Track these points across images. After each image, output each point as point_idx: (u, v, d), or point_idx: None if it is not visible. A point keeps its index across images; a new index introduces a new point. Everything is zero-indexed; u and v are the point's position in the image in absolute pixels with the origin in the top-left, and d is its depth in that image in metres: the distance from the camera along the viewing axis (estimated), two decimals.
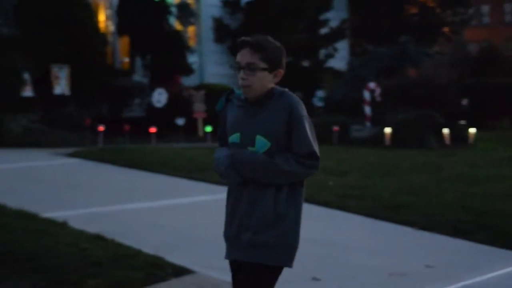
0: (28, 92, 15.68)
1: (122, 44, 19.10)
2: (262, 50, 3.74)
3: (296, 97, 3.76)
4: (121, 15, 18.27)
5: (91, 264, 5.81)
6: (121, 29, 18.53)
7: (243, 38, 3.81)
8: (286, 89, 3.81)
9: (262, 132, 3.73)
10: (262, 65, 3.73)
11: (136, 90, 18.27)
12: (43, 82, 15.85)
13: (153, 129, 16.04)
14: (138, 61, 18.74)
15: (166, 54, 18.15)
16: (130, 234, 6.96)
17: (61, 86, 16.33)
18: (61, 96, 16.11)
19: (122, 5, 18.12)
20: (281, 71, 3.79)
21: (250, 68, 3.73)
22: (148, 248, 6.38)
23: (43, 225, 7.10)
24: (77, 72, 16.32)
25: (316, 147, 3.73)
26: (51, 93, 16.09)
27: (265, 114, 3.74)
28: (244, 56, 3.75)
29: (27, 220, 7.32)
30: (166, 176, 10.83)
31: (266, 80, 3.74)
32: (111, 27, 18.59)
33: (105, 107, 17.43)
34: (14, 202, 7.92)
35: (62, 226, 7.08)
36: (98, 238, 6.62)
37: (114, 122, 16.80)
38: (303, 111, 3.75)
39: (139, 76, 18.73)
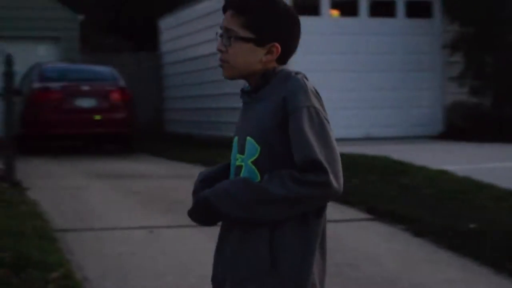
0: None
1: None
2: (246, 13, 2.58)
3: (302, 82, 2.53)
4: None
5: None
6: None
7: None
8: (300, 73, 2.59)
9: (251, 132, 2.57)
10: (244, 33, 2.57)
11: None
12: None
13: None
14: None
15: None
16: None
17: None
18: None
19: None
20: (278, 46, 2.58)
21: (228, 35, 2.60)
22: None
23: None
24: None
25: (322, 154, 2.43)
26: None
27: (258, 106, 2.59)
28: (224, 20, 2.63)
29: None
30: None
31: (252, 57, 2.58)
32: None
33: None
34: None
35: None
36: None
37: None
38: (306, 100, 2.50)
39: None
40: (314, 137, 2.45)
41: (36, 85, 15.21)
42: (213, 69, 16.78)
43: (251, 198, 2.45)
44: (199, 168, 11.95)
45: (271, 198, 2.42)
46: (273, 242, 2.49)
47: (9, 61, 9.86)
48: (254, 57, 2.58)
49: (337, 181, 2.44)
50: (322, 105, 2.54)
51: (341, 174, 2.47)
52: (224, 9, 2.63)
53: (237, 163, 2.59)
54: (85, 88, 15.15)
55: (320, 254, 2.55)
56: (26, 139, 14.92)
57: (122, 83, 15.65)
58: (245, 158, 2.56)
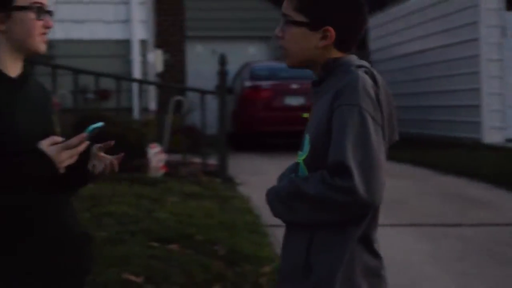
0: None
1: None
2: None
3: (356, 78, 2.34)
4: None
5: None
6: None
7: None
8: (363, 66, 2.41)
9: (309, 129, 2.45)
10: (297, 17, 2.43)
11: None
12: None
13: None
14: None
15: None
16: None
17: None
18: None
19: None
20: (331, 30, 2.40)
21: (284, 20, 2.48)
22: None
23: None
24: None
25: (354, 158, 2.25)
26: None
27: (319, 102, 2.44)
28: (283, 5, 2.51)
29: None
30: None
31: (307, 42, 2.44)
32: None
33: None
34: None
35: None
36: None
37: None
38: (352, 98, 2.30)
39: None
40: (350, 138, 2.27)
41: (247, 83, 15.63)
42: (428, 66, 16.54)
43: (288, 192, 2.37)
44: (414, 169, 11.82)
45: (303, 196, 2.32)
46: (310, 247, 2.39)
47: (222, 61, 10.19)
48: (309, 42, 2.43)
49: (367, 190, 2.25)
50: (374, 105, 2.34)
51: (376, 183, 2.28)
52: None
53: (297, 159, 2.51)
54: (294, 86, 15.38)
55: (374, 262, 2.43)
56: (237, 136, 15.37)
57: None
58: (301, 156, 2.46)
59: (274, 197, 2.43)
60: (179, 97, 10.80)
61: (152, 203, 7.54)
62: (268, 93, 15.20)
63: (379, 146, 2.32)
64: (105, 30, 11.24)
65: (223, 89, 10.26)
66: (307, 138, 2.43)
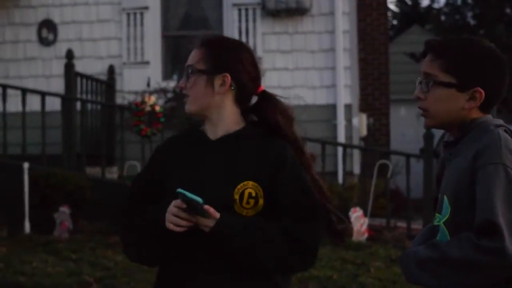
0: None
1: None
2: (447, 55, 2.38)
3: (498, 137, 2.29)
4: None
5: None
6: None
7: (427, 39, 2.48)
8: (502, 125, 2.36)
9: (447, 190, 2.36)
10: (444, 77, 2.37)
11: None
12: None
13: None
14: None
15: None
16: None
17: None
18: None
19: None
20: (481, 91, 2.35)
21: (427, 81, 2.40)
22: None
23: None
24: None
25: (504, 217, 2.16)
26: None
27: (455, 162, 2.37)
28: (422, 65, 2.44)
29: None
30: None
31: (454, 104, 2.38)
32: None
33: None
34: None
35: None
36: None
37: None
38: (496, 157, 2.24)
39: None
40: (498, 197, 2.21)
41: None
42: None
43: (429, 256, 2.27)
44: None
45: (447, 261, 2.23)
46: None
47: None
48: (456, 104, 2.39)
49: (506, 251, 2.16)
50: None
51: None
52: (424, 54, 2.48)
53: (435, 222, 2.44)
54: None
55: None
56: None
57: None
58: (440, 218, 2.39)
59: (412, 262, 2.33)
60: (383, 161, 10.77)
61: (356, 268, 7.53)
62: None
63: None
64: (310, 95, 11.48)
65: (429, 152, 10.14)
66: (445, 200, 2.38)
